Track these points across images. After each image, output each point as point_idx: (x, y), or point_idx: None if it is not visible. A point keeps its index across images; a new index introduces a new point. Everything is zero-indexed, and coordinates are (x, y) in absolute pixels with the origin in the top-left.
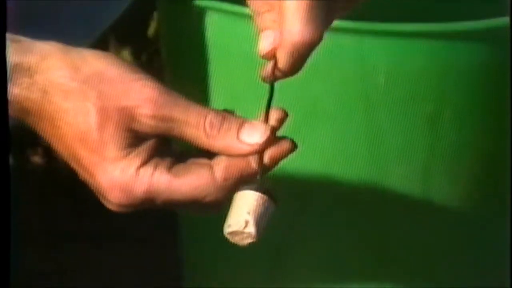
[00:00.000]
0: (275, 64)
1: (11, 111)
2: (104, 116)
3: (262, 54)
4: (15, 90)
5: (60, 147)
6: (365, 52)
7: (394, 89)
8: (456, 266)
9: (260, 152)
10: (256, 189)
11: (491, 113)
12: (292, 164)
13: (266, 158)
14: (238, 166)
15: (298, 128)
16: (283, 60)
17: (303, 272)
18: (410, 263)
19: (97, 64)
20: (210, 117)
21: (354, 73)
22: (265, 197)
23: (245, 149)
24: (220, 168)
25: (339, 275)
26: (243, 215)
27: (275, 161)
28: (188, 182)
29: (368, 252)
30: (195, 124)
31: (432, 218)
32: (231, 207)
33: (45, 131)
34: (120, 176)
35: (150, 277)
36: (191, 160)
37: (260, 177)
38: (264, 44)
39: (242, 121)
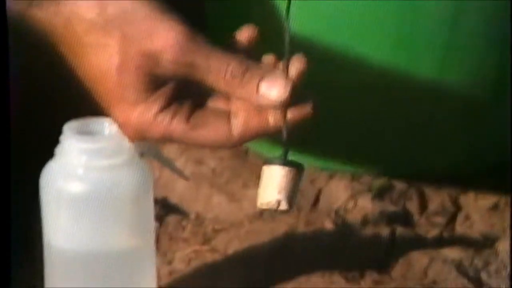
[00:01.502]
0: None
1: (33, 34)
2: (125, 59)
3: None
4: (40, 14)
5: (80, 75)
6: None
7: None
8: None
9: (279, 107)
10: (284, 164)
11: None
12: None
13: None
14: (256, 123)
15: None
16: None
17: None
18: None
19: (125, 3)
20: (232, 66)
21: None
22: (293, 170)
23: (264, 102)
24: (238, 124)
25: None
26: (275, 195)
27: (293, 122)
28: (204, 135)
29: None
30: (216, 72)
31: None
32: (261, 183)
33: (67, 56)
34: (137, 119)
35: None
36: (211, 105)
37: (285, 133)
38: None
39: (264, 73)
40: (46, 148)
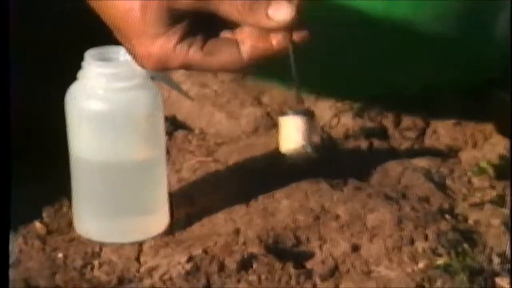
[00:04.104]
0: None
1: None
2: None
3: None
4: None
5: (102, 16)
6: None
7: None
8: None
9: (284, 28)
10: (303, 113)
11: None
12: None
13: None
14: (261, 47)
15: None
16: None
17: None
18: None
19: None
20: None
21: None
22: (310, 118)
23: (272, 25)
24: (246, 49)
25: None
26: (299, 141)
27: (295, 44)
28: (218, 59)
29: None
30: (228, 2)
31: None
32: (284, 131)
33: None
34: (159, 51)
35: None
36: (222, 35)
37: (292, 55)
38: None
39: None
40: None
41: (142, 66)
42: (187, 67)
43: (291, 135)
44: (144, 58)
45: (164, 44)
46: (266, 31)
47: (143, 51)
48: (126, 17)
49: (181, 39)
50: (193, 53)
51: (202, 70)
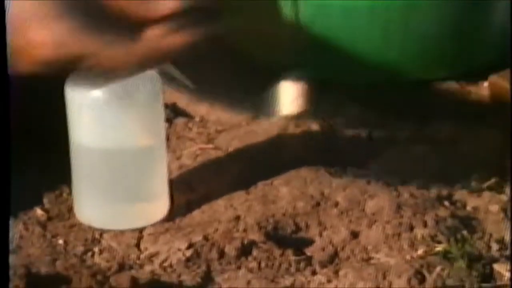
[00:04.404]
0: None
1: None
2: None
3: None
4: None
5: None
6: None
7: None
8: None
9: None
10: (295, 79)
11: None
12: None
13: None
14: (160, 43)
15: None
16: None
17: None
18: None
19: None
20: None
21: None
22: (302, 84)
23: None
24: (146, 44)
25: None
26: (300, 106)
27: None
28: (119, 51)
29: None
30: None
31: None
32: (278, 96)
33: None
34: (53, 37)
35: None
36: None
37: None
38: None
39: None
40: None
41: (32, 60)
42: (84, 57)
43: (287, 99)
44: (39, 46)
45: (60, 29)
46: (167, 31)
47: (38, 37)
48: (19, 5)
49: (78, 25)
50: (90, 42)
51: (99, 65)
